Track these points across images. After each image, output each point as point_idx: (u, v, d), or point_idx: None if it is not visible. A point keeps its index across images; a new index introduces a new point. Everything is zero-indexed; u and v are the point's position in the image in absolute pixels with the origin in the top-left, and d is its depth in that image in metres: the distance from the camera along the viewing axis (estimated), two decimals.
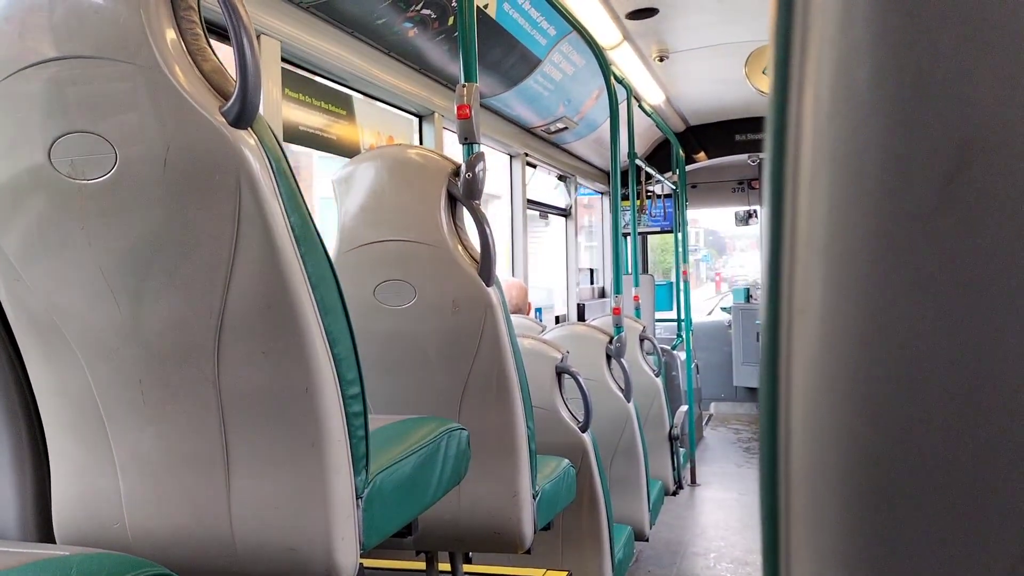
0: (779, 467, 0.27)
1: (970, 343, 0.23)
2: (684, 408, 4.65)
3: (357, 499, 1.09)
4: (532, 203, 5.59)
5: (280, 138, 2.67)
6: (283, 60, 2.67)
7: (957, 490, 0.23)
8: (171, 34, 0.94)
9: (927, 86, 0.23)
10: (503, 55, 3.86)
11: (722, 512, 4.88)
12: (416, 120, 3.75)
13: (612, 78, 3.45)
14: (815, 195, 0.25)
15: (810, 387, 0.26)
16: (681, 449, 4.23)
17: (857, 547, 0.25)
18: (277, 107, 2.61)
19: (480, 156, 1.67)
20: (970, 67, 0.22)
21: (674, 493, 4.21)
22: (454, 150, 2.10)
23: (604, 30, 4.36)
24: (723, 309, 8.58)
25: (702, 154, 7.52)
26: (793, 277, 0.26)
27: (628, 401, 3.06)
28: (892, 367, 0.24)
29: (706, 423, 7.36)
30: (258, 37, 2.51)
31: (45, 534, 1.17)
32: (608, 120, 3.57)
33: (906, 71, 0.23)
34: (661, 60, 5.18)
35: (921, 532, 0.24)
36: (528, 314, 3.89)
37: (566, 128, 5.43)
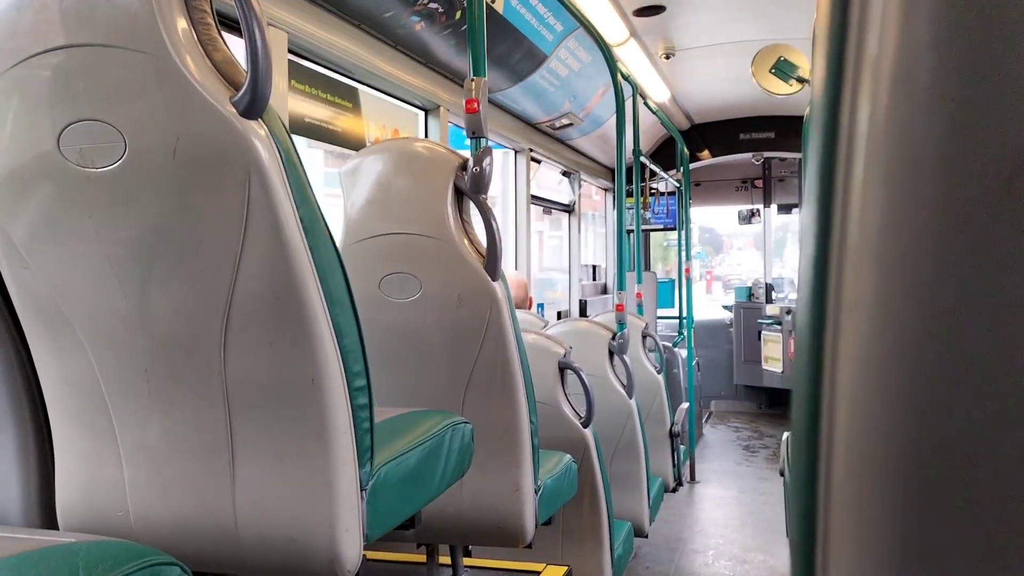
0: (819, 466, 0.27)
1: (1022, 345, 0.23)
2: (685, 405, 4.65)
3: (361, 491, 1.10)
4: (536, 199, 5.59)
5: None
6: (290, 52, 2.66)
7: (1009, 492, 0.23)
8: (182, 23, 0.94)
9: (989, 88, 0.23)
10: (509, 50, 3.85)
11: (721, 509, 4.88)
12: (422, 114, 3.75)
13: (618, 75, 3.45)
14: (868, 194, 0.25)
15: (858, 386, 0.25)
16: (681, 446, 4.23)
17: (902, 547, 0.24)
18: (283, 99, 2.61)
19: (487, 150, 1.67)
20: None
21: (674, 490, 4.21)
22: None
23: (611, 27, 4.35)
24: (724, 307, 8.57)
25: (706, 152, 7.51)
26: (842, 275, 0.26)
27: (630, 397, 3.06)
28: (945, 367, 0.24)
29: (706, 421, 7.36)
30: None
31: (48, 522, 1.17)
32: (613, 117, 3.56)
33: (968, 72, 0.23)
34: (667, 58, 5.17)
35: (970, 533, 0.24)
36: (529, 309, 3.89)
37: (571, 124, 5.43)
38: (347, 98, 3.20)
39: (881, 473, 0.25)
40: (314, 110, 2.98)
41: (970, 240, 0.23)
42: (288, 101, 2.69)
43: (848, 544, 0.26)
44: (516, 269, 5.06)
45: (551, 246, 7.07)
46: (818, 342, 0.27)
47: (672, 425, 4.00)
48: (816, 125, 0.27)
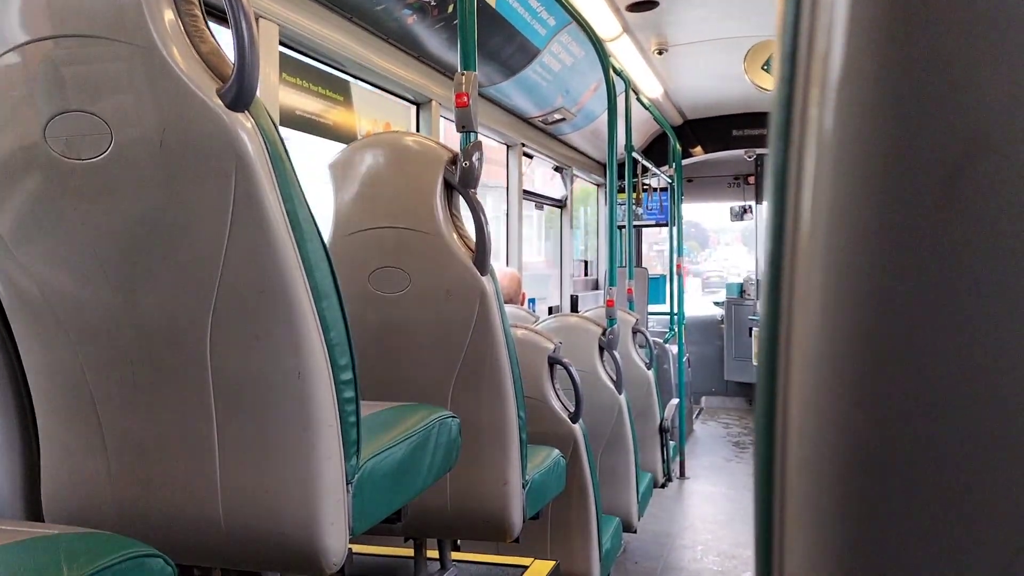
0: (775, 458, 0.27)
1: (971, 338, 0.23)
2: (675, 401, 4.67)
3: (347, 484, 1.10)
4: (528, 194, 5.59)
5: (277, 122, 2.66)
6: (281, 44, 2.65)
7: (954, 484, 0.23)
8: (169, 15, 0.93)
9: (933, 82, 0.23)
10: (502, 44, 3.85)
11: (710, 505, 4.90)
12: (413, 108, 3.74)
13: (611, 70, 3.45)
14: (819, 188, 0.25)
15: (809, 379, 0.26)
16: (671, 442, 4.24)
17: (852, 540, 0.25)
18: (274, 91, 2.60)
19: (477, 144, 1.67)
20: (977, 64, 0.23)
21: (663, 485, 4.22)
22: (451, 139, 2.09)
23: (604, 22, 4.35)
24: (716, 304, 8.59)
25: (699, 148, 7.52)
26: (795, 269, 0.26)
27: (619, 393, 3.07)
28: (892, 360, 0.24)
29: (696, 417, 7.39)
30: (256, 20, 2.49)
31: (34, 514, 1.17)
32: (606, 112, 3.56)
33: (913, 67, 0.23)
34: (660, 53, 5.17)
35: (917, 525, 0.24)
36: (521, 304, 3.89)
37: (564, 119, 5.43)
38: (338, 91, 3.19)
39: (830, 466, 0.25)
40: (305, 103, 2.97)
41: (916, 235, 0.23)
42: (279, 93, 2.68)
43: (802, 538, 0.26)
44: (508, 265, 5.06)
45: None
46: (773, 338, 0.27)
47: (662, 421, 4.01)
48: (773, 119, 0.27)
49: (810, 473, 0.26)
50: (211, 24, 0.99)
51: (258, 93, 0.98)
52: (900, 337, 0.24)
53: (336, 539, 1.07)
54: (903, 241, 0.23)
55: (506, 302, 3.72)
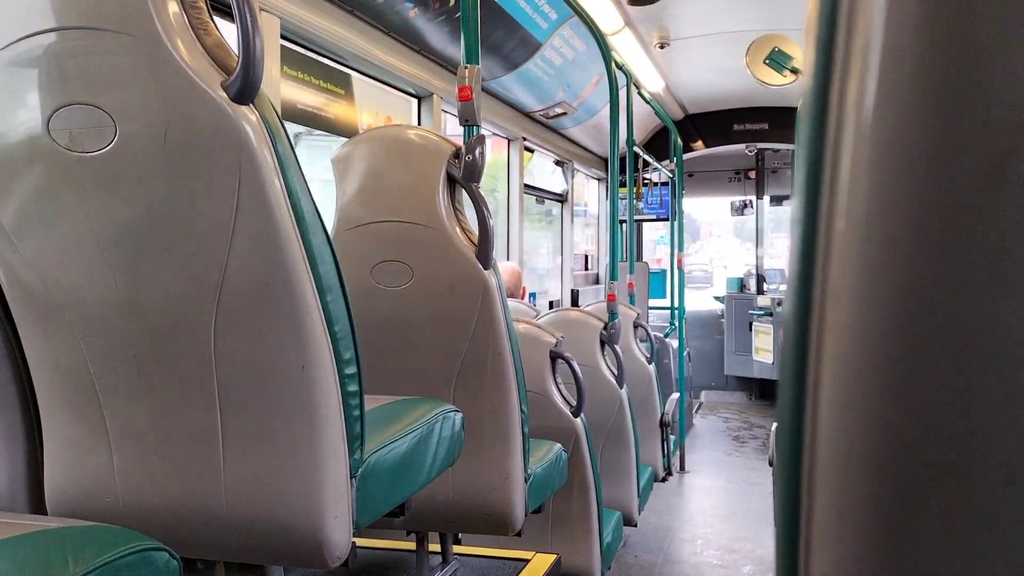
0: (803, 455, 0.27)
1: (1008, 333, 0.23)
2: (675, 396, 4.67)
3: (351, 478, 1.10)
4: (529, 188, 5.58)
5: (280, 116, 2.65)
6: (282, 37, 2.65)
7: (991, 481, 0.23)
8: (173, 7, 0.93)
9: (977, 74, 0.23)
10: (504, 38, 3.84)
11: (710, 499, 4.91)
12: (415, 101, 3.73)
13: (612, 64, 3.44)
14: (856, 181, 0.25)
15: (842, 374, 0.25)
16: (671, 436, 4.25)
17: (884, 536, 0.25)
18: (276, 85, 2.60)
19: (481, 138, 1.67)
20: (1018, 56, 0.22)
21: (663, 479, 4.23)
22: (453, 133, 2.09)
23: (606, 15, 4.34)
24: (716, 298, 8.59)
25: (700, 143, 7.51)
26: (828, 262, 0.26)
27: (621, 387, 3.07)
28: (930, 357, 0.24)
29: (696, 411, 7.39)
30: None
31: (37, 507, 1.17)
32: (607, 106, 3.55)
33: (956, 58, 0.23)
34: (662, 47, 5.16)
35: (952, 523, 0.24)
36: (522, 299, 3.89)
37: (565, 113, 5.42)
38: (340, 85, 3.18)
39: (864, 463, 0.25)
40: (307, 96, 2.97)
41: (956, 229, 0.23)
42: (280, 87, 2.67)
43: (831, 534, 0.26)
44: (508, 259, 5.06)
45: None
46: (803, 331, 0.26)
47: (662, 415, 4.01)
48: (806, 114, 0.27)
49: (843, 472, 0.25)
50: (216, 17, 0.99)
51: (262, 86, 0.98)
52: (938, 334, 0.23)
53: (340, 532, 1.07)
54: (942, 237, 0.23)
55: (508, 296, 3.73)
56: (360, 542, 2.05)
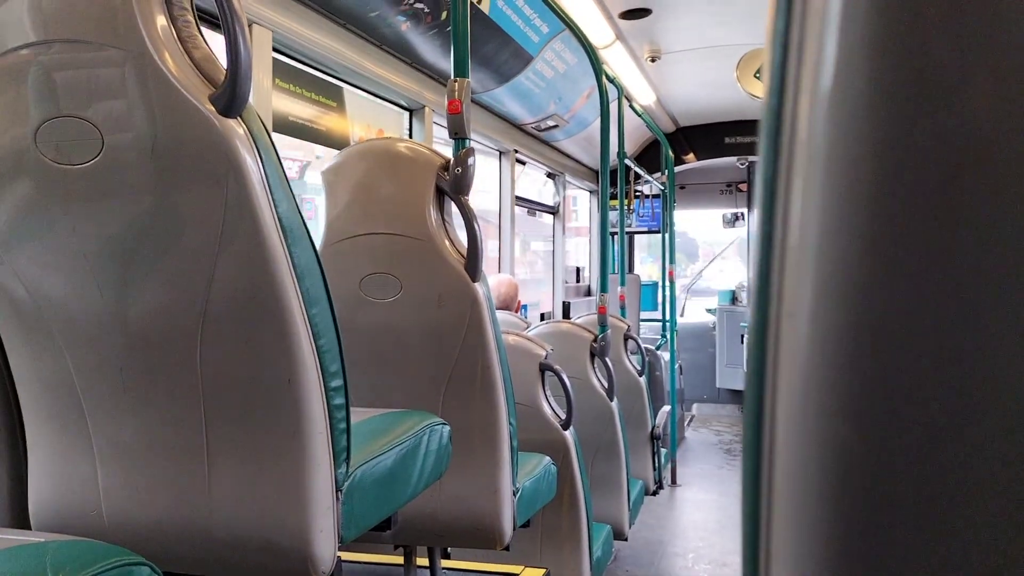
0: (762, 470, 0.27)
1: (960, 350, 0.23)
2: (667, 408, 4.67)
3: (337, 492, 1.09)
4: (521, 200, 5.59)
5: (270, 128, 2.66)
6: (275, 50, 2.65)
7: (942, 497, 0.23)
8: (162, 20, 0.93)
9: (924, 92, 0.23)
10: (495, 51, 3.85)
11: (701, 513, 4.90)
12: (407, 114, 3.74)
13: (604, 77, 3.46)
14: (808, 197, 0.25)
15: (797, 390, 0.26)
16: (662, 449, 4.24)
17: (839, 552, 0.25)
18: (267, 97, 2.60)
19: (470, 151, 1.67)
20: (967, 74, 0.23)
21: (654, 493, 4.22)
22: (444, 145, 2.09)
23: (597, 29, 4.36)
24: (708, 311, 8.61)
25: (691, 155, 7.54)
26: (783, 279, 0.26)
27: (611, 400, 3.07)
28: (880, 372, 0.24)
29: (688, 424, 7.39)
30: (250, 26, 2.49)
31: (21, 521, 1.16)
32: (599, 119, 3.57)
33: (903, 76, 0.23)
34: (653, 60, 5.19)
35: (904, 538, 0.24)
36: (516, 311, 3.89)
37: (556, 126, 5.44)
38: (332, 97, 3.19)
39: (818, 478, 0.25)
40: (298, 109, 2.97)
41: (906, 247, 0.23)
42: (272, 99, 2.68)
43: (788, 551, 0.26)
44: (500, 271, 5.06)
45: None
46: (761, 349, 0.27)
47: (653, 428, 4.01)
48: (763, 128, 0.27)
49: (797, 485, 0.26)
50: (205, 29, 0.99)
51: (251, 99, 0.98)
52: (888, 348, 0.24)
53: (325, 547, 1.07)
54: (893, 251, 0.23)
55: (503, 308, 3.74)
56: (346, 556, 2.04)
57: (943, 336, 0.23)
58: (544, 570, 2.19)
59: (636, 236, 8.52)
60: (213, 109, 0.94)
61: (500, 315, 2.96)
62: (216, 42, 0.97)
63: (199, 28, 0.97)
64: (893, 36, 0.23)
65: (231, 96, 0.94)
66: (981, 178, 0.22)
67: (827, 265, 0.25)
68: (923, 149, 0.23)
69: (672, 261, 5.91)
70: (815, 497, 0.25)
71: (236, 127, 0.96)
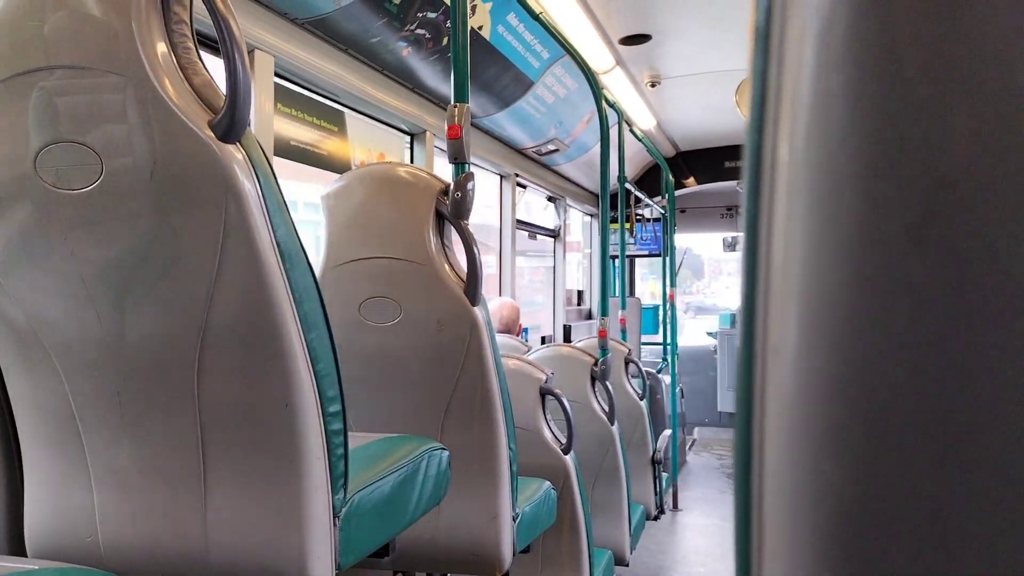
0: (752, 506, 0.27)
1: (942, 387, 0.23)
2: (668, 432, 4.65)
3: (334, 518, 1.09)
4: (522, 223, 5.60)
5: (271, 152, 2.67)
6: (277, 75, 2.67)
7: (929, 534, 0.23)
8: (162, 47, 0.94)
9: (901, 131, 0.23)
10: (496, 76, 3.88)
11: (703, 538, 4.86)
12: (408, 138, 3.76)
13: (604, 102, 3.48)
14: (790, 235, 0.25)
15: (783, 427, 0.25)
16: (664, 473, 4.22)
17: None
18: (269, 121, 2.62)
19: (469, 176, 1.68)
20: (944, 113, 0.23)
21: (655, 518, 4.19)
22: (445, 170, 2.11)
23: (597, 55, 4.39)
24: (709, 334, 8.59)
25: (692, 179, 7.57)
26: (768, 316, 0.26)
27: (612, 424, 3.06)
28: (863, 410, 0.24)
29: (689, 448, 7.36)
30: (252, 52, 2.52)
31: (16, 547, 1.16)
32: (599, 143, 3.59)
33: (879, 117, 0.23)
34: (653, 86, 5.22)
35: (891, 573, 0.24)
36: (517, 334, 3.89)
37: (557, 150, 5.46)
38: (333, 122, 3.20)
39: (805, 516, 0.25)
40: (300, 133, 2.99)
41: (887, 280, 0.23)
42: (274, 123, 2.69)
43: None
44: (500, 295, 5.06)
45: None
46: (749, 382, 0.27)
47: (654, 452, 3.99)
48: (745, 165, 0.27)
49: (784, 521, 0.25)
50: (205, 55, 1.00)
51: (252, 124, 0.98)
52: (871, 386, 0.24)
53: (322, 573, 1.06)
54: (874, 288, 0.23)
55: (504, 331, 3.74)
56: None
57: (925, 376, 0.23)
58: None
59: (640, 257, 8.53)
60: (212, 135, 0.95)
61: (500, 339, 2.96)
62: (216, 67, 0.97)
63: (199, 54, 0.98)
64: (868, 78, 0.23)
65: (230, 122, 0.95)
66: (958, 217, 0.23)
67: (810, 302, 0.25)
68: (901, 188, 0.23)
69: (673, 284, 5.91)
70: (802, 534, 0.25)
71: (235, 152, 0.96)
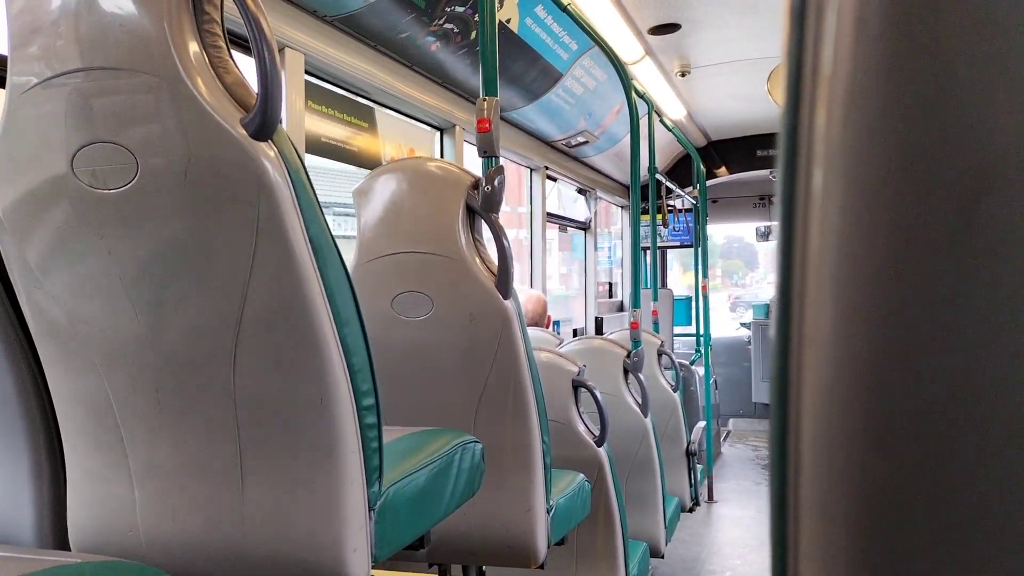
0: (788, 498, 0.26)
1: (986, 375, 0.22)
2: (702, 424, 4.61)
3: (370, 511, 1.09)
4: (552, 216, 5.59)
5: (302, 149, 2.69)
6: (307, 73, 2.69)
7: (969, 525, 0.22)
8: (194, 47, 0.95)
9: (943, 112, 0.22)
10: (525, 69, 3.87)
11: (739, 530, 4.83)
12: (437, 133, 3.77)
13: (633, 93, 3.45)
14: (826, 222, 0.25)
15: (820, 418, 0.25)
16: (698, 465, 4.19)
17: None
18: (300, 118, 2.64)
19: (499, 169, 1.68)
20: (988, 93, 0.22)
21: (691, 510, 4.17)
22: (476, 163, 2.11)
23: (626, 45, 4.37)
24: (743, 324, 8.52)
25: (723, 169, 7.50)
26: (804, 305, 0.26)
27: (645, 416, 3.04)
28: (904, 399, 0.23)
29: (724, 439, 7.31)
30: (283, 50, 2.54)
31: (61, 541, 1.18)
32: (629, 134, 3.56)
33: (920, 97, 0.23)
34: (683, 75, 5.18)
35: (927, 563, 0.23)
36: (547, 327, 3.88)
37: (587, 142, 5.44)
38: (363, 118, 3.22)
39: (843, 507, 0.24)
40: (331, 129, 3.01)
41: (930, 266, 0.23)
42: (305, 120, 2.71)
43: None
44: (532, 287, 5.06)
45: None
46: (784, 373, 0.26)
47: (689, 444, 3.96)
48: (780, 150, 0.27)
49: (822, 511, 0.25)
50: (237, 54, 1.01)
51: (284, 121, 0.99)
52: (912, 374, 0.23)
53: (359, 566, 1.07)
54: (915, 274, 0.23)
55: (532, 324, 3.74)
56: (380, 575, 2.04)
57: (968, 363, 0.22)
58: None
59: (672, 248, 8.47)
60: (244, 133, 0.96)
61: (532, 332, 2.96)
62: (248, 66, 0.98)
63: (230, 53, 0.99)
64: (908, 56, 0.23)
65: (262, 120, 0.95)
66: (1006, 199, 0.22)
67: (847, 290, 0.24)
68: (945, 171, 0.22)
69: (705, 275, 5.86)
70: (840, 525, 0.24)
71: (267, 150, 0.97)
